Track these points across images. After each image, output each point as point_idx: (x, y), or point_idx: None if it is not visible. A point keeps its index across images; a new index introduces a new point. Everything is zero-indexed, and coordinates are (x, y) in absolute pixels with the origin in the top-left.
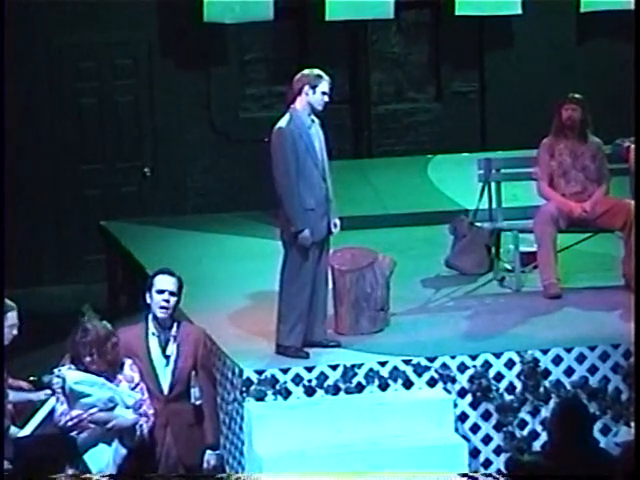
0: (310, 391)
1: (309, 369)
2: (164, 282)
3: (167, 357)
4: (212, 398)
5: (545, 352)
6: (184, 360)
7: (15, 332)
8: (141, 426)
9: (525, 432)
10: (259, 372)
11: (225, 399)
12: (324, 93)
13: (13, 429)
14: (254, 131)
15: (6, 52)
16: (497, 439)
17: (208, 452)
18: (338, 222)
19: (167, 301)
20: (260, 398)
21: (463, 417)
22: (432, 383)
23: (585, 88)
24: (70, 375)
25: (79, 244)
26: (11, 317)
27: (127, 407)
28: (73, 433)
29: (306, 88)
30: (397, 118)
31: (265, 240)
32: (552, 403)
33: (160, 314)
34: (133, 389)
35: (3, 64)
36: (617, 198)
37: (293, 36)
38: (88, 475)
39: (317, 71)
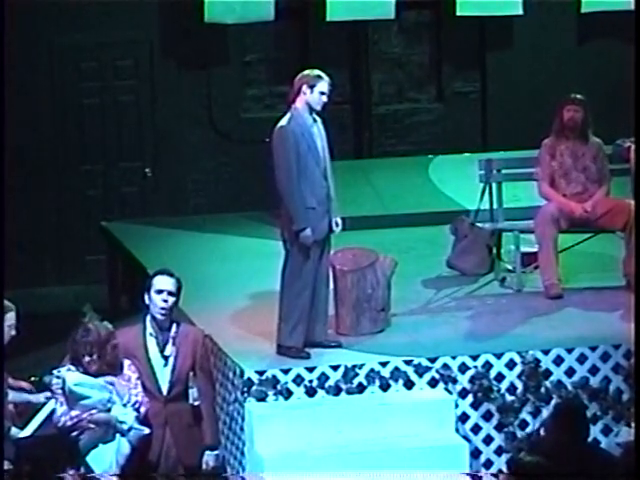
0: (311, 391)
1: (310, 369)
2: (163, 282)
3: (166, 358)
4: (211, 399)
5: (546, 352)
6: (183, 361)
7: (13, 332)
8: (140, 426)
9: (526, 432)
10: (260, 372)
11: (226, 399)
12: (322, 93)
13: (14, 430)
14: (255, 131)
15: (7, 52)
16: (498, 439)
17: (207, 453)
18: (340, 221)
19: (165, 301)
20: (261, 398)
21: (464, 417)
22: (433, 383)
23: (586, 88)
24: (70, 376)
25: (80, 244)
26: (9, 317)
27: (125, 407)
28: (73, 434)
29: (304, 88)
30: (398, 118)
31: (266, 240)
32: (553, 403)
33: (158, 315)
34: (131, 389)
35: (4, 64)
36: (618, 198)
37: (294, 36)
38: (93, 475)
39: (317, 71)
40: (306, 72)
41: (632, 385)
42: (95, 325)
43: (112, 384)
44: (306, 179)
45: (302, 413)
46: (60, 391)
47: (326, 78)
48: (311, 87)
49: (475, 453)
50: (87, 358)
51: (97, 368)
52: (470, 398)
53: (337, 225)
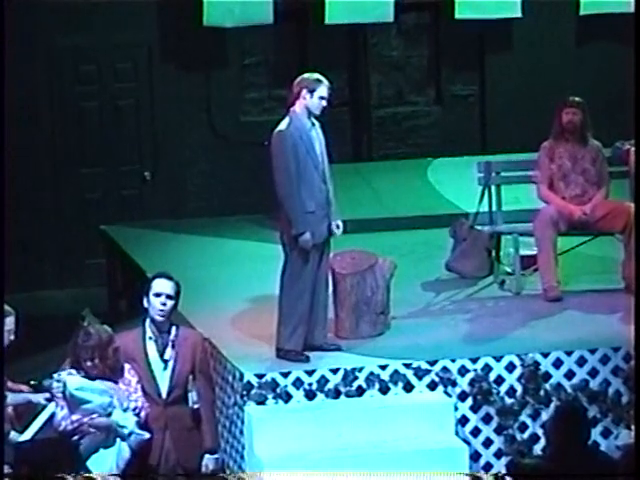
0: (311, 395)
1: (309, 373)
2: (161, 286)
3: (165, 361)
4: (210, 402)
5: (545, 355)
6: (182, 364)
7: (12, 337)
8: (140, 431)
9: (526, 435)
10: (260, 376)
11: (226, 403)
12: (322, 98)
13: (13, 434)
14: (254, 134)
15: (7, 54)
16: (498, 442)
17: (207, 456)
18: (341, 224)
19: (164, 304)
20: (261, 402)
21: (464, 420)
22: (433, 386)
23: (585, 91)
24: (71, 380)
25: (79, 248)
26: (9, 322)
27: (125, 411)
28: (74, 438)
29: (304, 92)
30: (397, 121)
31: (265, 243)
32: (552, 406)
33: (157, 317)
34: (131, 394)
35: (4, 66)
36: (617, 201)
37: (293, 39)
38: (92, 475)
39: (317, 75)
40: (306, 76)
41: (631, 388)
42: (96, 329)
43: (113, 389)
44: (305, 183)
45: (302, 416)
46: (61, 395)
47: (326, 82)
48: (311, 92)
49: (475, 456)
50: (89, 363)
51: (99, 372)
52: (470, 401)
53: (338, 228)
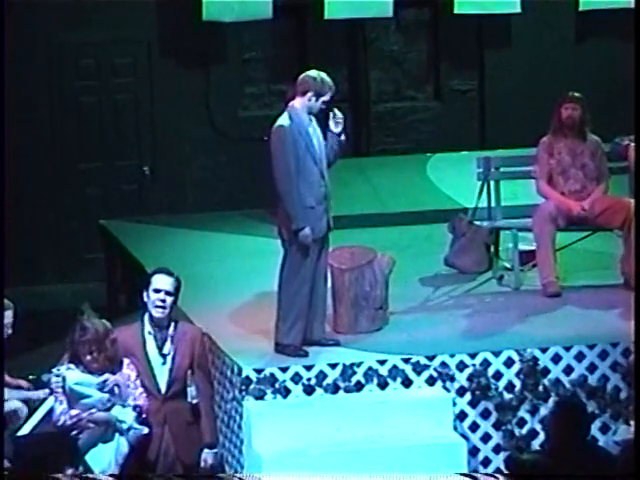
0: (309, 390)
1: (308, 368)
2: (161, 281)
3: (164, 356)
4: (209, 397)
5: (544, 350)
6: (181, 359)
7: (10, 331)
8: (139, 426)
9: (524, 431)
10: (258, 371)
11: (224, 398)
12: (325, 103)
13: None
14: (253, 130)
15: (6, 50)
16: (496, 438)
17: (205, 451)
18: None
19: (163, 301)
20: (259, 397)
21: (462, 416)
22: (431, 382)
23: (584, 86)
24: (70, 375)
25: (78, 243)
26: (7, 316)
27: (125, 406)
28: (73, 432)
29: (310, 94)
30: (396, 116)
31: (265, 238)
32: (551, 402)
33: (156, 313)
34: (130, 388)
35: (3, 62)
36: (616, 196)
37: (292, 35)
38: (88, 475)
39: (326, 79)
40: (313, 75)
41: (630, 383)
42: (92, 322)
43: (113, 390)
44: (305, 178)
45: (300, 411)
46: (60, 390)
47: (332, 87)
48: (317, 96)
49: (473, 451)
50: (88, 357)
51: (98, 365)
52: (468, 396)
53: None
